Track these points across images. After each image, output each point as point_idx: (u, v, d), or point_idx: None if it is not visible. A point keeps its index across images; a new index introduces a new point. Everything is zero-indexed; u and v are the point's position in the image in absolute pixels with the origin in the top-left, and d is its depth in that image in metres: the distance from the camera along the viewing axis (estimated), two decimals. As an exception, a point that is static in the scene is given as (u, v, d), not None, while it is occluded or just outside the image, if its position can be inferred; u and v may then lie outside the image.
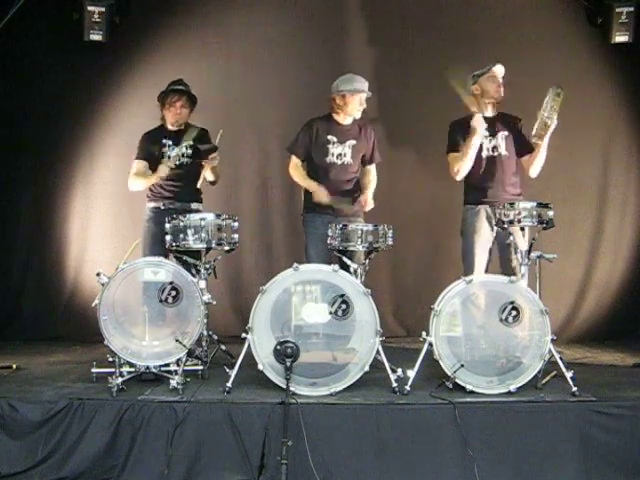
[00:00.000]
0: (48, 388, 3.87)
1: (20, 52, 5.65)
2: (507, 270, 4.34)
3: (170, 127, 4.82)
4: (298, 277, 3.79)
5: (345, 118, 4.68)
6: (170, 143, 4.75)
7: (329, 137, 4.64)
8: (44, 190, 5.87)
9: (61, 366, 4.58)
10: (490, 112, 4.59)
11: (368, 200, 4.67)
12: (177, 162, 4.72)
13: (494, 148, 4.53)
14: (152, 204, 4.79)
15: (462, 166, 4.50)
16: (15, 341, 5.45)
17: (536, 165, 4.51)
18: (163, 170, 4.68)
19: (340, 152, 4.65)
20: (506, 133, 4.54)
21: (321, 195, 4.55)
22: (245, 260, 5.83)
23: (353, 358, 3.78)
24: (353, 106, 4.60)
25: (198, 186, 4.68)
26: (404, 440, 3.47)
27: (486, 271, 4.45)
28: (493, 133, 4.53)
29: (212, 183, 4.89)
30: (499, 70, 4.53)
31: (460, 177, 4.56)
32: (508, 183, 4.53)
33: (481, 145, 4.49)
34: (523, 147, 4.56)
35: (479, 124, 4.40)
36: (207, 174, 4.74)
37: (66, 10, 5.41)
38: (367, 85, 4.63)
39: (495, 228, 4.42)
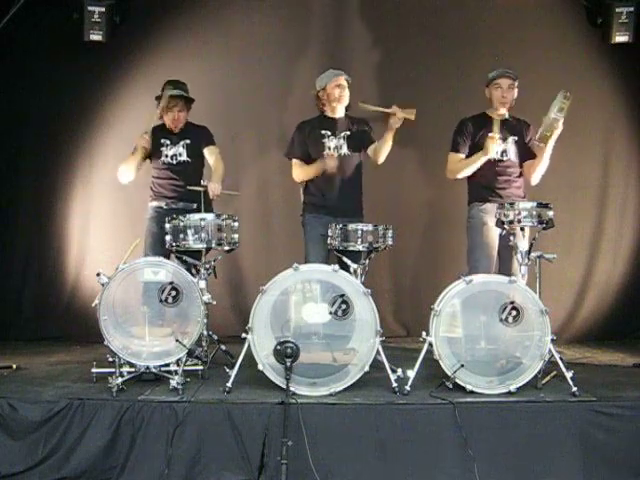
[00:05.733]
0: (48, 388, 3.87)
1: (20, 52, 5.65)
2: (506, 271, 4.35)
3: (169, 127, 4.82)
4: (298, 277, 3.79)
5: (335, 111, 4.67)
6: (168, 142, 4.77)
7: (322, 132, 4.63)
8: (44, 190, 5.86)
9: (61, 366, 4.58)
10: (502, 113, 4.57)
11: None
12: (173, 162, 4.74)
13: (503, 152, 4.53)
14: (154, 203, 4.80)
15: (460, 174, 4.58)
16: (15, 341, 5.46)
17: (538, 172, 4.52)
18: (143, 139, 4.66)
19: (336, 144, 4.63)
20: (515, 138, 4.56)
21: (329, 163, 4.52)
22: (245, 260, 5.82)
23: (353, 358, 3.78)
24: (335, 93, 4.60)
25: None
26: (404, 440, 3.48)
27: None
28: (504, 137, 4.52)
29: None
30: (504, 82, 4.53)
31: (453, 178, 4.62)
32: (513, 186, 4.55)
33: None
34: (527, 153, 4.58)
35: (492, 149, 4.39)
36: None
37: (66, 10, 5.41)
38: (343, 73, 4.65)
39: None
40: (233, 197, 4.80)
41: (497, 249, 4.49)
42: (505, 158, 4.54)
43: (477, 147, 4.52)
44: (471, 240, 4.56)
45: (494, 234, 4.45)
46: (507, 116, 4.60)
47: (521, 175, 4.61)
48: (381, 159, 4.62)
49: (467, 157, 4.58)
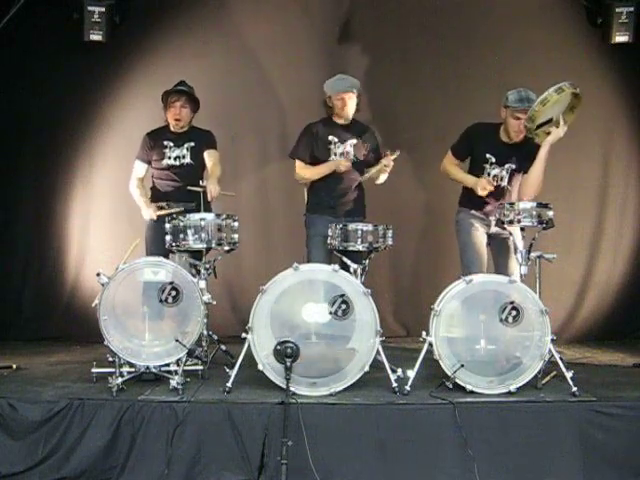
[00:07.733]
0: (48, 388, 3.87)
1: (20, 52, 5.65)
2: (502, 271, 4.35)
3: (173, 129, 4.82)
4: (298, 277, 3.79)
5: (341, 118, 4.68)
6: (171, 145, 4.76)
7: (330, 138, 4.64)
8: (44, 190, 5.87)
9: (61, 366, 4.58)
10: (509, 138, 4.44)
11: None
12: (176, 163, 4.76)
13: (495, 177, 4.44)
14: (155, 203, 4.79)
15: (449, 177, 4.61)
16: (15, 341, 5.46)
17: (530, 185, 4.33)
18: (147, 214, 4.70)
19: (342, 152, 4.64)
20: (513, 166, 4.43)
21: (342, 164, 4.55)
22: (245, 260, 5.81)
23: (353, 358, 3.78)
24: (339, 108, 4.61)
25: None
26: (404, 440, 3.48)
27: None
28: (501, 163, 4.43)
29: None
30: (523, 114, 4.28)
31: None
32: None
33: (484, 168, 4.44)
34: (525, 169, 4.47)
35: (482, 191, 4.39)
36: None
37: (66, 10, 5.41)
38: (355, 83, 4.62)
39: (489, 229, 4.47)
40: (230, 198, 4.78)
41: (486, 249, 4.50)
42: (496, 183, 4.42)
43: (473, 157, 4.51)
44: (461, 242, 4.58)
45: (481, 234, 4.51)
46: (514, 141, 4.42)
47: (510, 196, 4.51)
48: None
49: (469, 161, 4.55)
